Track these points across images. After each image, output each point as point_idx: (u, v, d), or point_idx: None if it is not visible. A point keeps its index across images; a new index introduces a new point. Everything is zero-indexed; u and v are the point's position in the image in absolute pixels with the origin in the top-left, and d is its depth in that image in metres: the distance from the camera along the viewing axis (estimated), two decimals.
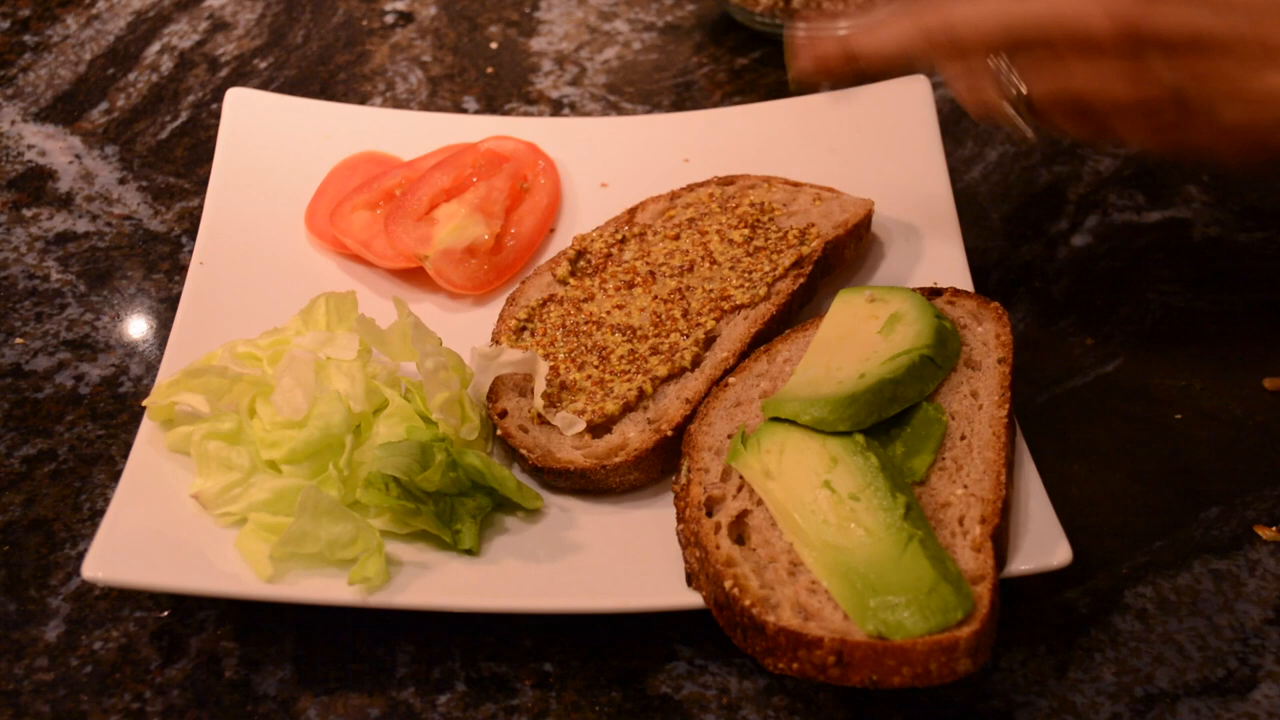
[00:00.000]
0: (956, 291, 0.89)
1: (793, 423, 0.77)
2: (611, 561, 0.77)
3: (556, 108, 1.17)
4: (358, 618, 0.76)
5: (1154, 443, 0.89)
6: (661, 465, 0.82)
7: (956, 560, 0.72)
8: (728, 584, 0.71)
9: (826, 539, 0.72)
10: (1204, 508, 0.85)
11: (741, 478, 0.77)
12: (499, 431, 0.84)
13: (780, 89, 1.15)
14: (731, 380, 0.85)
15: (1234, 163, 0.86)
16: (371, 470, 0.76)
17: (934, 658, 0.67)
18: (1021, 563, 0.75)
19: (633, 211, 0.98)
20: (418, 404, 0.82)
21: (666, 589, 0.75)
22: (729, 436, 0.80)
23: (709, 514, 0.76)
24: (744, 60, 1.23)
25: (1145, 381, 0.93)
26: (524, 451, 0.82)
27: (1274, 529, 0.83)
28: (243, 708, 0.73)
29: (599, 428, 0.83)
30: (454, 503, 0.77)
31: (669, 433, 0.82)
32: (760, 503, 0.76)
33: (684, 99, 1.17)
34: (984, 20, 0.80)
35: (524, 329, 0.89)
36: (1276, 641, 0.77)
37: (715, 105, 1.15)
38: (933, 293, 0.89)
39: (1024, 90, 0.81)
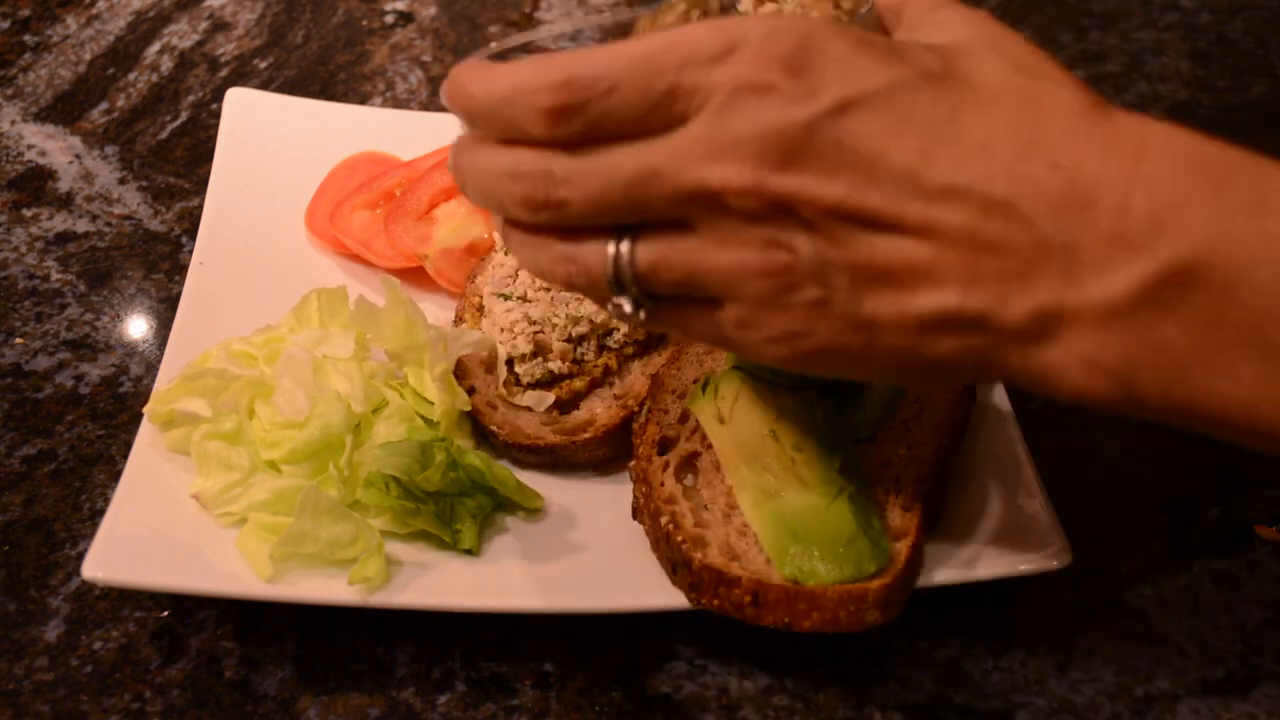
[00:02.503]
0: None
1: (751, 373, 0.80)
2: (612, 562, 0.77)
3: None
4: (358, 618, 0.76)
5: (1154, 443, 0.89)
6: (629, 440, 0.83)
7: (885, 517, 0.75)
8: (664, 520, 0.74)
9: (763, 485, 0.75)
10: (1204, 508, 0.85)
11: (698, 421, 0.80)
12: (468, 409, 0.84)
13: None
14: None
15: (876, 377, 0.66)
16: (371, 470, 0.76)
17: (843, 606, 0.70)
18: (1021, 563, 0.75)
19: None
20: (410, 398, 0.81)
21: (666, 589, 0.75)
22: (695, 381, 0.83)
23: (660, 453, 0.79)
24: None
25: None
26: (493, 428, 0.83)
27: (1274, 529, 0.83)
28: (243, 708, 0.73)
29: (566, 404, 0.85)
30: (454, 503, 0.77)
31: (635, 408, 0.83)
32: (710, 446, 0.79)
33: None
34: (601, 187, 0.59)
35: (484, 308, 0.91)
36: (1276, 641, 0.77)
37: None
38: None
39: (633, 265, 0.61)
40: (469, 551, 0.76)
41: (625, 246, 0.61)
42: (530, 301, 0.87)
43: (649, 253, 0.61)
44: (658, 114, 0.58)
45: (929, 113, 0.56)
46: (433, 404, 0.82)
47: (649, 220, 0.60)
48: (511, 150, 0.61)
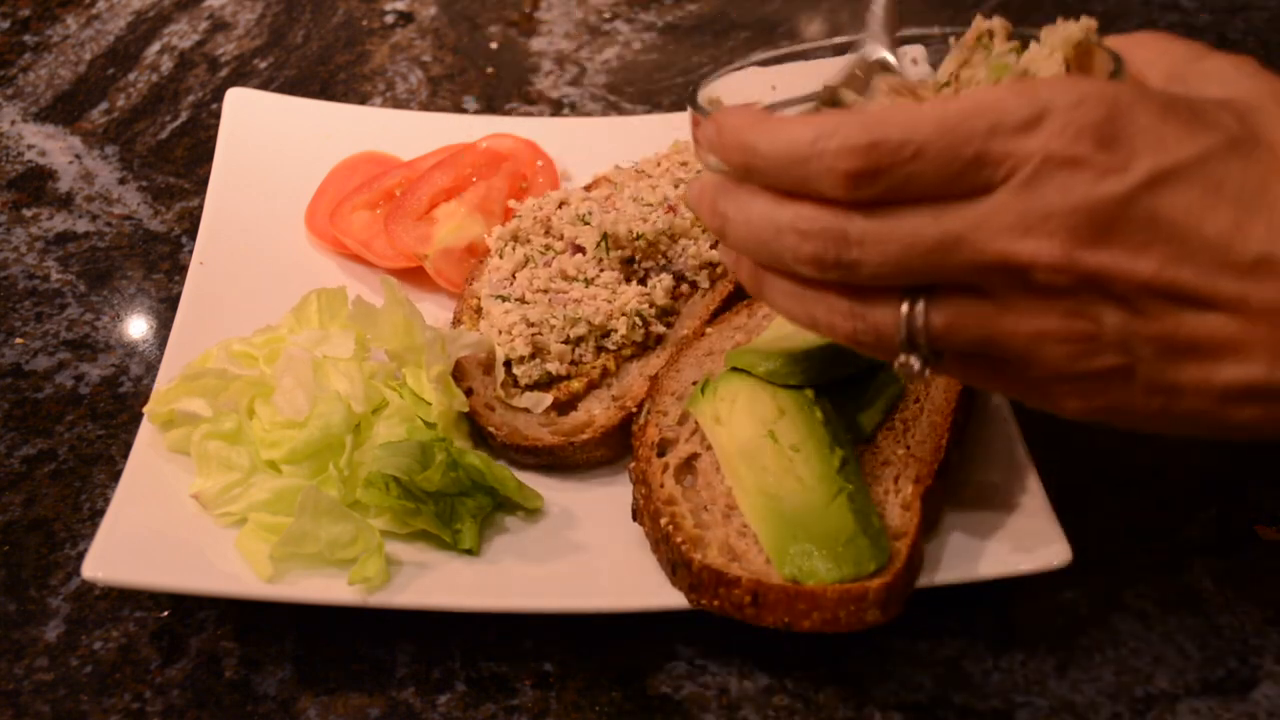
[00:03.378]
0: None
1: (750, 373, 0.80)
2: (612, 561, 0.77)
3: (556, 108, 1.17)
4: (358, 618, 0.76)
5: (1154, 442, 0.88)
6: (626, 441, 0.83)
7: (884, 516, 0.75)
8: (663, 521, 0.75)
9: (762, 485, 0.75)
10: (1204, 508, 0.85)
11: (697, 423, 0.80)
12: (467, 410, 0.84)
13: None
14: (709, 330, 0.88)
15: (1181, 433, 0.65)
16: (371, 470, 0.76)
17: (843, 605, 0.70)
18: (1021, 563, 0.75)
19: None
20: (409, 398, 0.82)
21: (666, 590, 0.75)
22: (694, 383, 0.83)
23: (660, 454, 0.79)
24: (743, 62, 1.22)
25: None
26: (491, 429, 0.84)
27: (1274, 529, 0.83)
28: (243, 708, 0.73)
29: (565, 405, 0.85)
30: (454, 503, 0.77)
31: (633, 409, 0.84)
32: (710, 447, 0.79)
33: (684, 99, 1.17)
34: (900, 251, 0.59)
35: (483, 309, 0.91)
36: (1276, 641, 0.77)
37: None
38: None
39: (928, 328, 0.61)
40: (469, 551, 0.76)
41: (920, 308, 0.60)
42: (528, 304, 0.87)
43: (944, 316, 0.60)
44: (963, 180, 0.57)
45: (1240, 183, 0.56)
46: (431, 405, 0.82)
47: (941, 283, 0.60)
48: (796, 205, 0.60)
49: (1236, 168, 0.56)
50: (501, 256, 0.92)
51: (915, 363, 0.62)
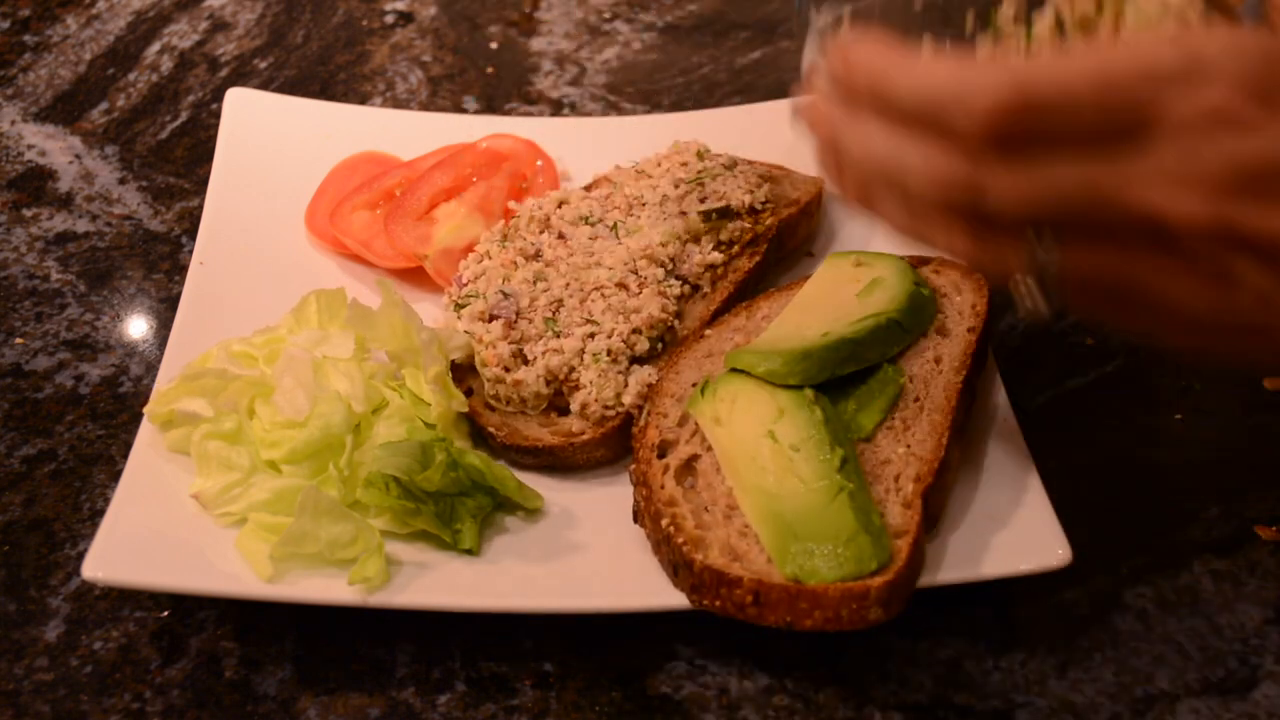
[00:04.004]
0: (944, 261, 0.90)
1: (749, 374, 0.80)
2: (612, 562, 0.77)
3: (556, 108, 1.17)
4: (358, 618, 0.75)
5: (1154, 443, 0.89)
6: (626, 442, 0.83)
7: (885, 515, 0.75)
8: (664, 522, 0.75)
9: (762, 485, 0.75)
10: (1204, 508, 0.85)
11: (696, 424, 0.80)
12: (466, 410, 0.84)
13: (780, 89, 1.15)
14: (708, 332, 0.88)
15: None
16: (372, 470, 0.76)
17: (845, 604, 0.70)
18: (1021, 563, 0.75)
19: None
20: (409, 399, 0.82)
21: (667, 590, 0.75)
22: (694, 385, 0.83)
23: (660, 456, 0.79)
24: (744, 60, 1.23)
25: (1145, 381, 0.93)
26: (490, 429, 0.83)
27: (1274, 529, 0.83)
28: (243, 708, 0.73)
29: (564, 405, 0.85)
30: (454, 502, 0.77)
31: (634, 409, 0.83)
32: (710, 448, 0.79)
33: (684, 99, 1.17)
34: (1036, 192, 0.58)
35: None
36: (1276, 641, 0.77)
37: (715, 105, 1.15)
38: (920, 261, 0.90)
39: (1056, 267, 0.60)
40: (469, 551, 0.76)
41: (1049, 245, 0.59)
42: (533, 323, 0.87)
43: (1077, 260, 0.59)
44: (1114, 134, 0.56)
45: None
46: (430, 405, 0.82)
47: (1074, 224, 0.59)
48: (926, 145, 0.59)
49: None
50: (489, 259, 0.92)
51: (1036, 290, 0.61)
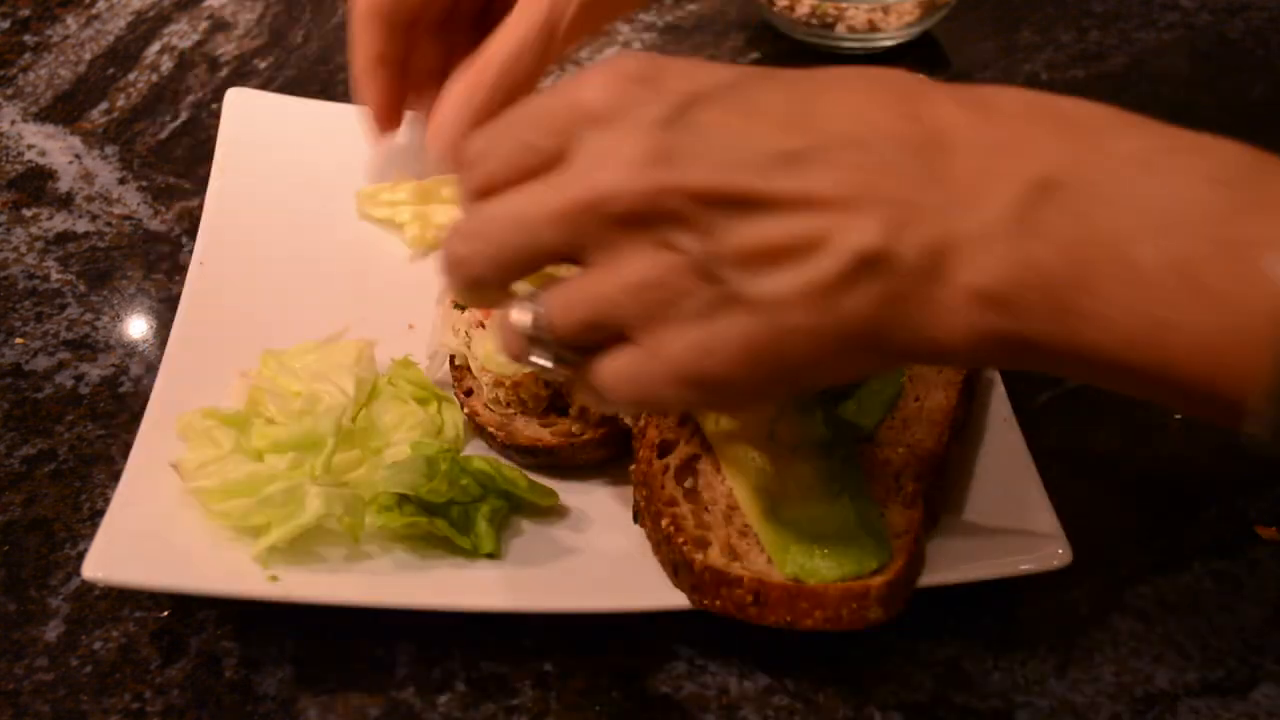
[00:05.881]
0: None
1: None
2: (612, 562, 0.77)
3: None
4: (358, 618, 0.76)
5: (1154, 443, 0.89)
6: (626, 442, 0.83)
7: (885, 514, 0.75)
8: (664, 522, 0.74)
9: (762, 485, 0.75)
10: (1204, 508, 0.85)
11: (696, 424, 0.80)
12: (465, 410, 0.84)
13: None
14: None
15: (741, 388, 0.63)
16: (380, 492, 0.76)
17: (846, 604, 0.70)
18: (1021, 563, 0.75)
19: None
20: (404, 386, 0.82)
21: (667, 590, 0.75)
22: None
23: (660, 456, 0.79)
24: (744, 60, 1.22)
25: None
26: (490, 430, 0.83)
27: (1274, 529, 0.83)
28: (243, 708, 0.73)
29: (564, 405, 0.84)
30: (468, 509, 0.77)
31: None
32: (710, 449, 0.79)
33: None
34: (494, 243, 0.62)
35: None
36: (1276, 641, 0.77)
37: None
38: None
39: (548, 315, 0.61)
40: (490, 555, 0.76)
41: (535, 298, 0.62)
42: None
43: (554, 298, 0.61)
44: (538, 160, 0.60)
45: (777, 97, 0.59)
46: (429, 410, 0.82)
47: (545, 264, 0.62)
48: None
49: (772, 86, 0.59)
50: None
51: (544, 360, 0.63)
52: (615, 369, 0.62)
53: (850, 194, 0.57)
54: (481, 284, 0.63)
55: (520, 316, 0.62)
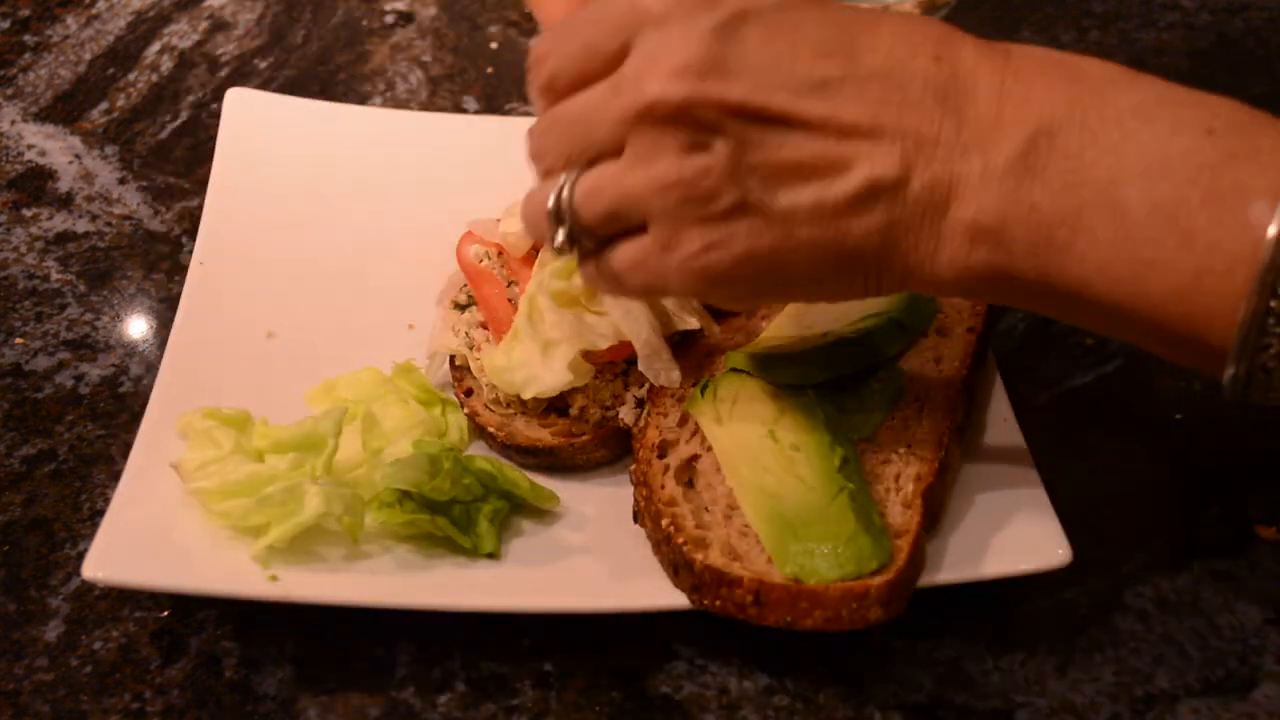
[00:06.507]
0: None
1: (750, 374, 0.80)
2: (612, 561, 0.77)
3: None
4: (358, 618, 0.76)
5: (1154, 443, 0.89)
6: (626, 442, 0.83)
7: (885, 514, 0.75)
8: (664, 522, 0.74)
9: (762, 485, 0.75)
10: (1204, 508, 0.85)
11: (696, 424, 0.80)
12: (466, 410, 0.84)
13: None
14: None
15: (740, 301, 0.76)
16: (382, 489, 0.76)
17: (846, 603, 0.70)
18: (1021, 563, 0.75)
19: None
20: (409, 387, 0.82)
21: (667, 589, 0.75)
22: (695, 384, 0.82)
23: (660, 456, 0.79)
24: None
25: (1145, 381, 0.93)
26: (491, 430, 0.83)
27: (1274, 529, 0.83)
28: (243, 708, 0.73)
29: (564, 406, 0.84)
30: (469, 509, 0.77)
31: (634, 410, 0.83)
32: (710, 448, 0.79)
33: None
34: (559, 133, 0.67)
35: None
36: (1276, 641, 0.77)
37: None
38: None
39: (572, 195, 0.66)
40: (491, 555, 0.76)
41: (568, 179, 0.65)
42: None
43: (584, 183, 0.65)
44: (603, 58, 0.64)
45: (820, 26, 0.63)
46: (432, 412, 0.82)
47: (599, 158, 0.65)
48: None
49: (814, 13, 0.64)
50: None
51: (560, 235, 0.66)
52: (628, 255, 0.66)
53: (874, 124, 0.61)
54: (552, 176, 0.67)
55: (546, 195, 0.66)
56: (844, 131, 0.61)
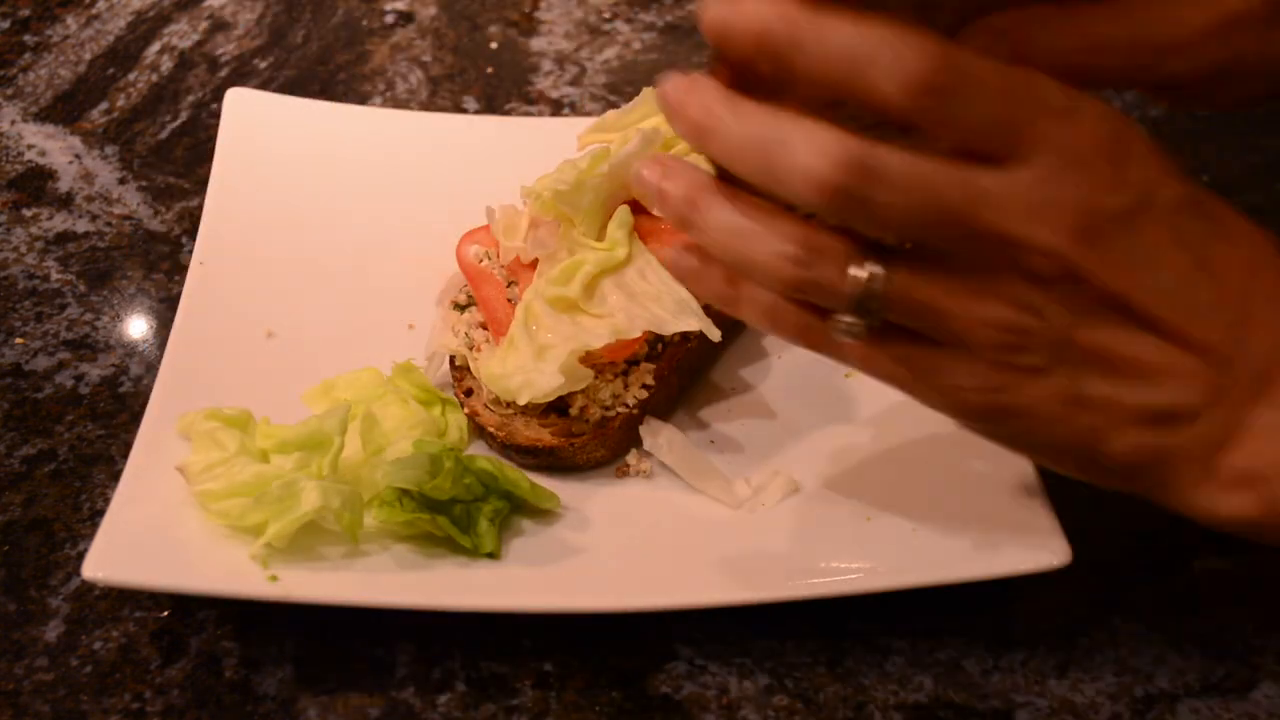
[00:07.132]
0: None
1: None
2: (612, 561, 0.77)
3: (556, 108, 1.17)
4: (358, 618, 0.76)
5: None
6: (626, 442, 0.83)
7: None
8: None
9: None
10: None
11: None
12: (466, 410, 0.84)
13: None
14: None
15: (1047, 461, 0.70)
16: (382, 487, 0.76)
17: None
18: (1021, 563, 0.75)
19: None
20: (409, 387, 0.83)
21: (667, 589, 0.75)
22: None
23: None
24: None
25: None
26: (490, 429, 0.83)
27: None
28: (243, 708, 0.73)
29: (564, 406, 0.84)
30: (470, 509, 0.77)
31: (635, 410, 0.83)
32: None
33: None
34: (922, 200, 0.55)
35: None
36: (1276, 641, 0.77)
37: None
38: None
39: (887, 288, 0.58)
40: (491, 555, 0.76)
41: (878, 268, 0.57)
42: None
43: (903, 279, 0.58)
44: (997, 137, 0.55)
45: (1193, 233, 0.60)
46: (433, 413, 0.82)
47: (915, 243, 0.58)
48: (815, 119, 0.55)
49: (1189, 217, 0.60)
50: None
51: (854, 323, 0.59)
52: (904, 360, 0.61)
53: (1205, 358, 0.60)
54: (872, 222, 0.56)
55: (857, 273, 0.57)
56: (1178, 349, 0.60)
